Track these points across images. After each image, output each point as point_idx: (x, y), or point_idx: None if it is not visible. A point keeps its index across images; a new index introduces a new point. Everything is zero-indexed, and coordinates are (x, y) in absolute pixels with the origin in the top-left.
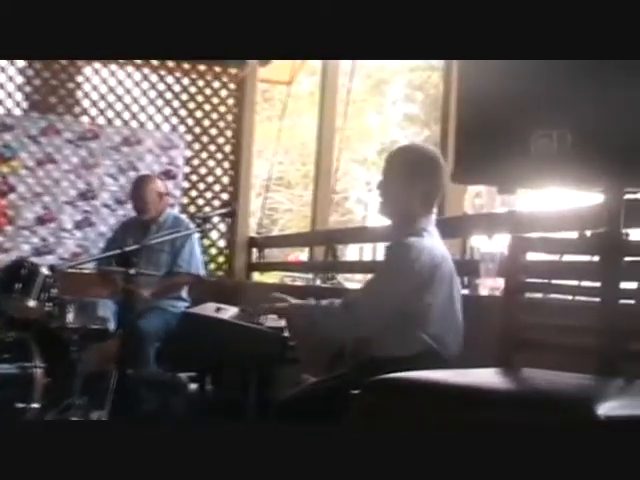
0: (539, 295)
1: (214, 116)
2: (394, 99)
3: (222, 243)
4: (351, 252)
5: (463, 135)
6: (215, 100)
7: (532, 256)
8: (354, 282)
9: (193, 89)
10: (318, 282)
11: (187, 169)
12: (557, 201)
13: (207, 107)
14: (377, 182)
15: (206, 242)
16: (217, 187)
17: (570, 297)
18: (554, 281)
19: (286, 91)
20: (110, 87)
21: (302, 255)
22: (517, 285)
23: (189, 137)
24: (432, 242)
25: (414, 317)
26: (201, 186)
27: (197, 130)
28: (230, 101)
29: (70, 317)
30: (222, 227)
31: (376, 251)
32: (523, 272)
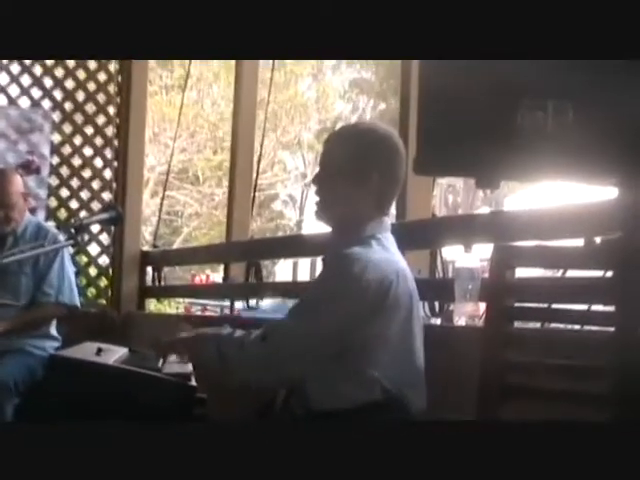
0: (533, 325)
1: (91, 87)
2: (337, 61)
3: (104, 260)
4: (282, 270)
5: (428, 110)
6: (92, 65)
7: (524, 272)
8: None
9: None
10: (237, 311)
11: (55, 160)
12: (556, 198)
13: (81, 75)
14: (314, 175)
15: (82, 259)
16: (96, 184)
17: (575, 327)
18: (554, 305)
19: None
20: None
21: (215, 275)
22: (503, 311)
23: (57, 116)
24: (383, 254)
25: (361, 354)
26: (74, 183)
27: (68, 106)
28: (113, 67)
29: None
30: (104, 239)
31: (315, 268)
32: (511, 294)
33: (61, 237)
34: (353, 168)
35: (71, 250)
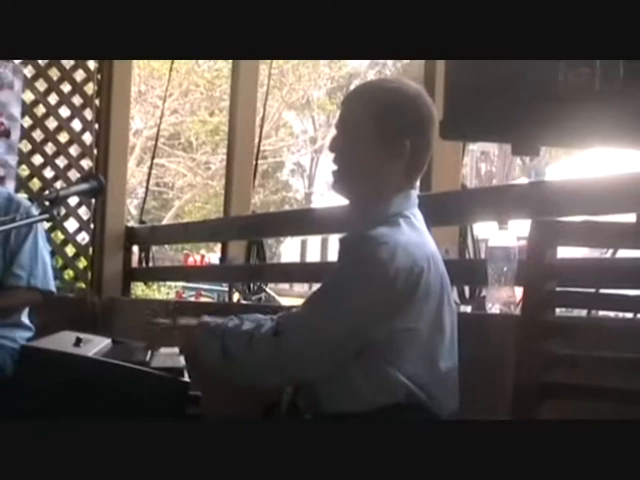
0: (578, 312)
1: None
2: None
3: (84, 238)
4: (288, 249)
5: (457, 65)
6: None
7: (567, 252)
8: (292, 297)
9: None
10: (237, 297)
11: (27, 122)
12: (605, 167)
13: None
14: (329, 140)
15: (58, 237)
16: (74, 150)
17: (627, 315)
18: (602, 290)
19: None
20: None
21: (211, 256)
22: (543, 297)
23: (29, 71)
24: (412, 236)
25: (385, 350)
26: (49, 149)
27: (41, 60)
28: None
29: None
30: (83, 213)
31: (327, 247)
32: (553, 277)
33: (34, 211)
34: (380, 132)
35: (46, 226)
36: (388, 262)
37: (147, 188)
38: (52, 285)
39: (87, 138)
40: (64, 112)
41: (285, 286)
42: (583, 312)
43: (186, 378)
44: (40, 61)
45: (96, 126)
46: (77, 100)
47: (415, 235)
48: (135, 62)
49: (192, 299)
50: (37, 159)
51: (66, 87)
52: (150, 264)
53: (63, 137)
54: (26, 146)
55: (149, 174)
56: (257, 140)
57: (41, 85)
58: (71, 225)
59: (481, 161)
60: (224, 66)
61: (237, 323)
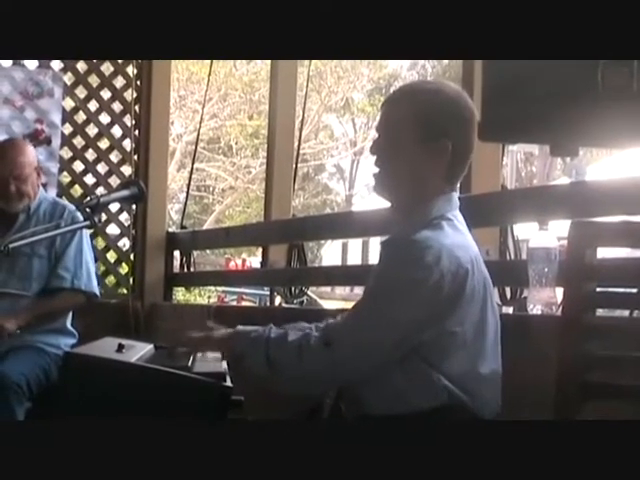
0: (619, 313)
1: None
2: None
3: (125, 244)
4: (329, 253)
5: (495, 66)
6: None
7: (608, 253)
8: (334, 300)
9: None
10: (278, 301)
11: (67, 129)
12: None
13: None
14: (371, 143)
15: (100, 243)
16: (115, 156)
17: None
18: None
19: None
20: None
21: (252, 260)
22: (584, 298)
23: (69, 78)
24: (456, 239)
25: (428, 352)
26: (90, 155)
27: (81, 67)
28: None
29: None
30: (124, 219)
31: (367, 250)
32: (593, 278)
33: (79, 216)
34: (421, 133)
35: (88, 232)
36: (434, 266)
37: (188, 193)
38: (96, 287)
39: (127, 144)
40: (104, 119)
41: (327, 289)
42: (624, 312)
43: (229, 383)
44: (80, 68)
45: (136, 132)
46: (117, 107)
47: (458, 237)
48: (173, 67)
49: (234, 303)
50: (78, 166)
51: (106, 94)
52: (192, 269)
53: (103, 144)
54: (67, 153)
55: (190, 179)
56: (297, 143)
57: (81, 92)
58: (112, 231)
59: (521, 161)
60: (262, 69)
61: (281, 333)
